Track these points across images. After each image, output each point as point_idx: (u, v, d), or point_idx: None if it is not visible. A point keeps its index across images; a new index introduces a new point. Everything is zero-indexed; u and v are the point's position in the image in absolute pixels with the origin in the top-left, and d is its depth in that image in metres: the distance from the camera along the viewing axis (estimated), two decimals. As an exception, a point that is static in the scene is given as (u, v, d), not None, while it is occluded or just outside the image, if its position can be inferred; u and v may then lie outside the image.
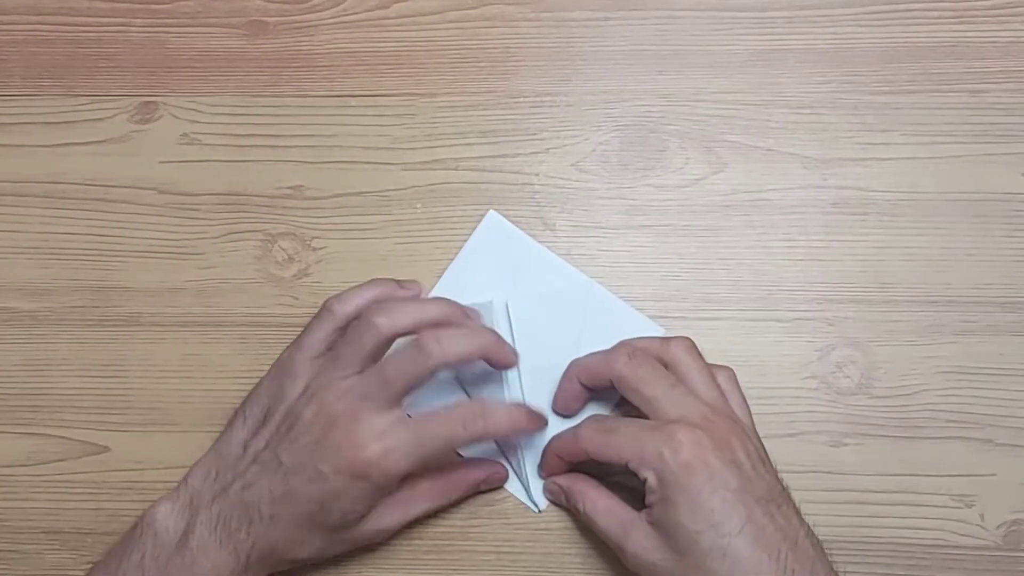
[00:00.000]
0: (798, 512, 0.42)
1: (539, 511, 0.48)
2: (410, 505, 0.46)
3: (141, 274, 0.51)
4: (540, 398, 0.48)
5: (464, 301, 0.49)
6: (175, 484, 0.45)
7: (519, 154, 0.52)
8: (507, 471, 0.48)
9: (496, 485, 0.48)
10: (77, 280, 0.51)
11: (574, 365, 0.47)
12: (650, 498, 0.41)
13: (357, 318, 0.45)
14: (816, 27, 0.53)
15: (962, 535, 0.47)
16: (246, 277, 0.51)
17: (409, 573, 0.48)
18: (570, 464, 0.46)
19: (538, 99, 0.53)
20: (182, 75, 0.54)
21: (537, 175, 0.52)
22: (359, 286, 0.47)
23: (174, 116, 0.53)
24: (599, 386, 0.46)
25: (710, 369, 0.45)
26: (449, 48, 0.53)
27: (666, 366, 0.45)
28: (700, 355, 0.45)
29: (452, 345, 0.43)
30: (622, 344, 0.46)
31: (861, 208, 0.51)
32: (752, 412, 0.46)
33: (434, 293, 0.50)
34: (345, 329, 0.45)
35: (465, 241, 0.51)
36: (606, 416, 0.46)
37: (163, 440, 0.49)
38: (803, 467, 0.48)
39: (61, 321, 0.51)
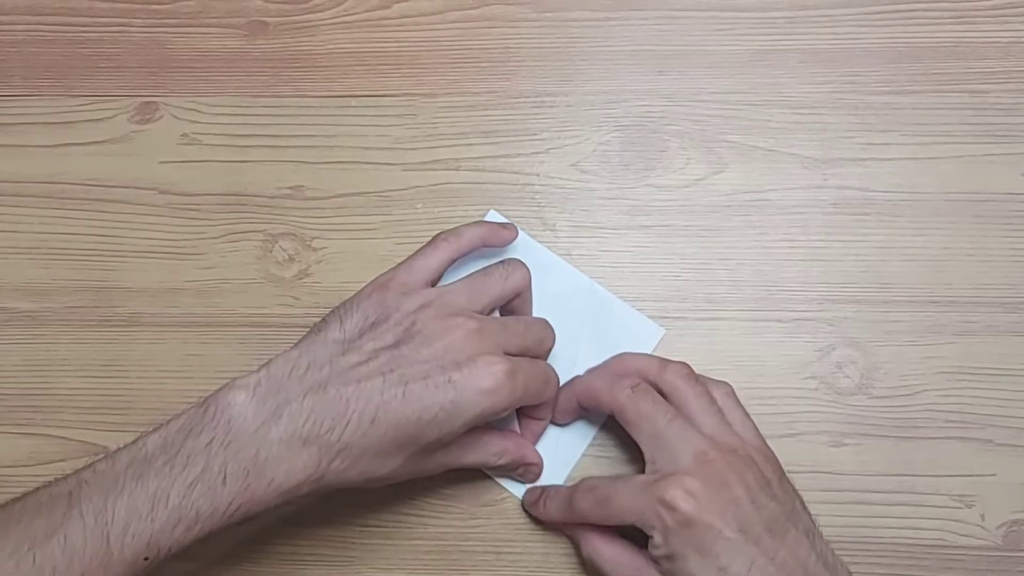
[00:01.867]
0: (809, 532, 0.42)
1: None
2: (478, 450, 0.45)
3: (141, 274, 0.51)
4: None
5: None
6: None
7: (520, 154, 0.52)
8: (541, 471, 0.48)
9: (529, 480, 0.48)
10: (77, 280, 0.51)
11: (577, 384, 0.47)
12: (656, 552, 0.41)
13: (504, 263, 0.45)
14: (817, 27, 0.53)
15: (962, 535, 0.47)
16: (246, 277, 0.51)
17: (409, 573, 0.48)
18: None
19: (539, 99, 0.53)
20: (182, 75, 0.54)
21: (538, 175, 0.52)
22: (468, 225, 0.47)
23: (174, 116, 0.53)
24: (597, 411, 0.47)
25: (708, 393, 0.45)
26: (450, 48, 0.53)
27: (662, 393, 0.45)
28: (696, 381, 0.45)
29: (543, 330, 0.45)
30: (625, 375, 0.45)
31: (861, 208, 0.51)
32: (752, 413, 0.46)
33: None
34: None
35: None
36: (594, 483, 0.45)
37: (163, 440, 0.49)
38: (803, 467, 0.48)
39: (61, 321, 0.51)
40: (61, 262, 0.52)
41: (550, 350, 0.46)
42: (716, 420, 0.44)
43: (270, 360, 0.41)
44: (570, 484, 0.48)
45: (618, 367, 0.47)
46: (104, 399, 0.50)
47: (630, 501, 0.42)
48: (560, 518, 0.46)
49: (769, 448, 0.45)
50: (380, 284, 0.44)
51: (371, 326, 0.42)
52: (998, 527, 0.47)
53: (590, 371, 0.48)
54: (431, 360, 0.41)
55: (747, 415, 0.45)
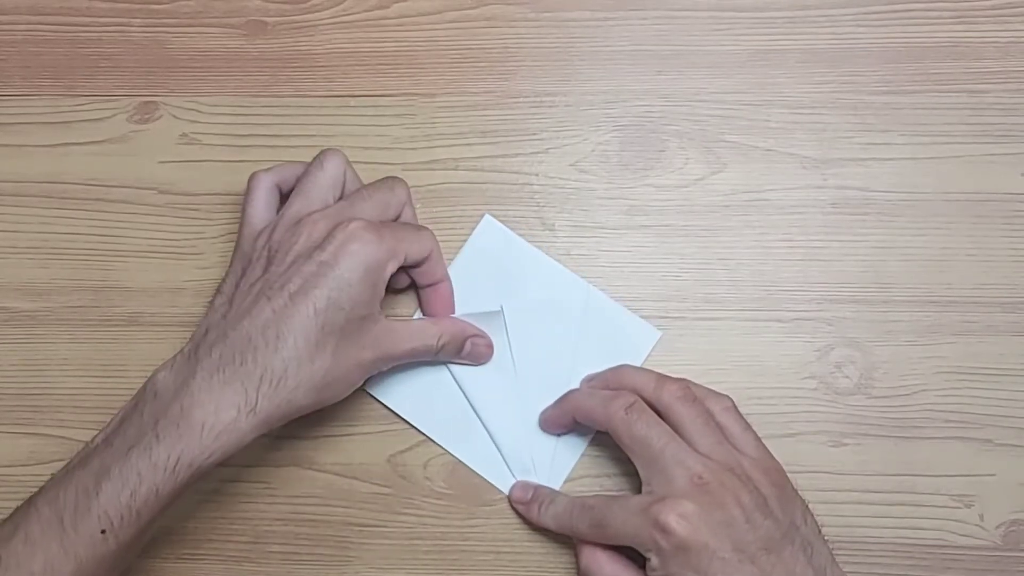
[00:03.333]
0: (807, 547, 0.42)
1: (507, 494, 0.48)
2: (407, 335, 0.45)
3: (141, 274, 0.51)
4: (536, 401, 0.49)
5: (461, 306, 0.49)
6: None
7: (518, 154, 0.52)
8: (493, 347, 0.49)
9: (480, 355, 0.49)
10: (77, 280, 0.52)
11: (572, 400, 0.47)
12: (653, 574, 0.42)
13: (311, 162, 0.46)
14: (816, 27, 0.53)
15: (962, 535, 0.47)
16: (246, 277, 0.51)
17: (408, 573, 0.48)
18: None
19: (538, 99, 0.53)
20: (182, 75, 0.54)
21: (536, 175, 0.52)
22: (282, 163, 0.48)
23: (174, 116, 0.53)
24: (592, 427, 0.47)
25: (705, 412, 0.45)
26: (449, 48, 0.53)
27: (659, 412, 0.45)
28: (692, 401, 0.45)
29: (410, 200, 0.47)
30: (620, 394, 0.45)
31: (861, 208, 0.51)
32: (752, 413, 0.46)
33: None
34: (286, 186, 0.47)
35: (463, 242, 0.51)
36: (591, 502, 0.45)
37: (163, 440, 0.49)
38: (803, 467, 0.48)
39: (61, 321, 0.51)
40: (61, 262, 0.52)
41: (405, 198, 0.47)
42: (712, 440, 0.44)
43: (186, 343, 0.44)
44: (566, 487, 0.48)
45: (615, 382, 0.47)
46: (104, 399, 0.50)
47: (626, 523, 0.42)
48: (556, 529, 0.46)
49: (771, 459, 0.44)
50: (237, 247, 0.46)
51: (243, 274, 0.44)
52: (997, 527, 0.47)
53: (587, 379, 0.49)
54: (297, 259, 0.43)
55: (748, 428, 0.45)
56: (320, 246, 0.42)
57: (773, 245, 0.50)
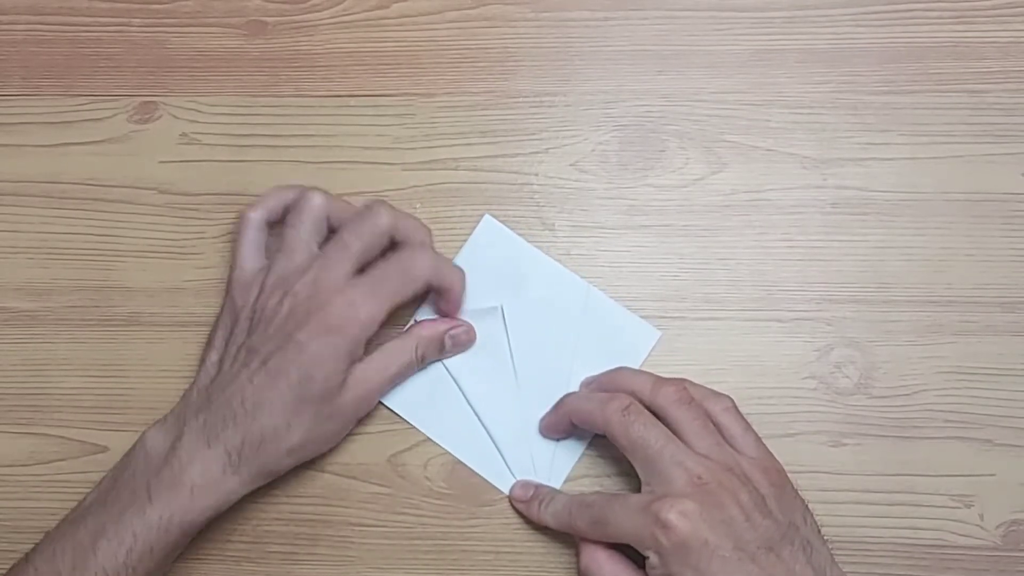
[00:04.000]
0: (806, 547, 0.42)
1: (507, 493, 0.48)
2: (384, 365, 0.47)
3: (140, 274, 0.51)
4: (535, 402, 0.49)
5: (463, 306, 0.49)
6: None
7: (518, 154, 0.52)
8: (472, 328, 0.49)
9: (463, 343, 0.49)
10: (76, 280, 0.52)
11: (569, 403, 0.47)
12: (653, 573, 0.42)
13: (293, 207, 0.47)
14: (816, 27, 0.53)
15: (961, 535, 0.47)
16: (246, 277, 0.51)
17: (409, 573, 0.48)
18: None
19: (537, 99, 0.53)
20: (182, 75, 0.54)
21: (536, 175, 0.52)
22: (268, 192, 0.49)
23: (174, 116, 0.53)
24: (589, 430, 0.47)
25: (703, 414, 0.44)
26: (449, 48, 0.53)
27: (657, 414, 0.45)
28: (690, 403, 0.45)
29: (401, 218, 0.47)
30: (616, 396, 0.45)
31: (861, 208, 0.51)
32: (751, 413, 0.46)
33: (432, 297, 0.50)
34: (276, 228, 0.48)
35: (463, 242, 0.51)
36: (591, 499, 0.45)
37: (163, 440, 0.49)
38: (802, 467, 0.48)
39: (61, 321, 0.51)
40: (61, 262, 0.52)
41: (390, 222, 0.46)
42: (710, 442, 0.44)
43: (177, 402, 0.46)
44: (566, 486, 0.48)
45: (612, 384, 0.47)
46: (104, 399, 0.50)
47: (626, 521, 0.42)
48: (555, 527, 0.46)
49: (771, 459, 0.44)
50: (227, 291, 0.48)
51: (231, 333, 0.46)
52: (997, 527, 0.47)
53: (585, 382, 0.49)
54: (277, 332, 0.44)
55: (748, 428, 0.45)
56: (299, 322, 0.44)
57: (773, 245, 0.50)
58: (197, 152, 0.53)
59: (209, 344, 0.47)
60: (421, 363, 0.48)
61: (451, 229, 0.51)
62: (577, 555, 0.45)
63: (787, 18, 0.53)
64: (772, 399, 0.49)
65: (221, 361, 0.46)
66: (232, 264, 0.48)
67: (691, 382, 0.46)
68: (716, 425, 0.45)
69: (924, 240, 0.50)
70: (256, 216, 0.48)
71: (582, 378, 0.49)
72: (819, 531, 0.43)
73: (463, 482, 0.49)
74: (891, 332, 0.49)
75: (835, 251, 0.50)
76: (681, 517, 0.41)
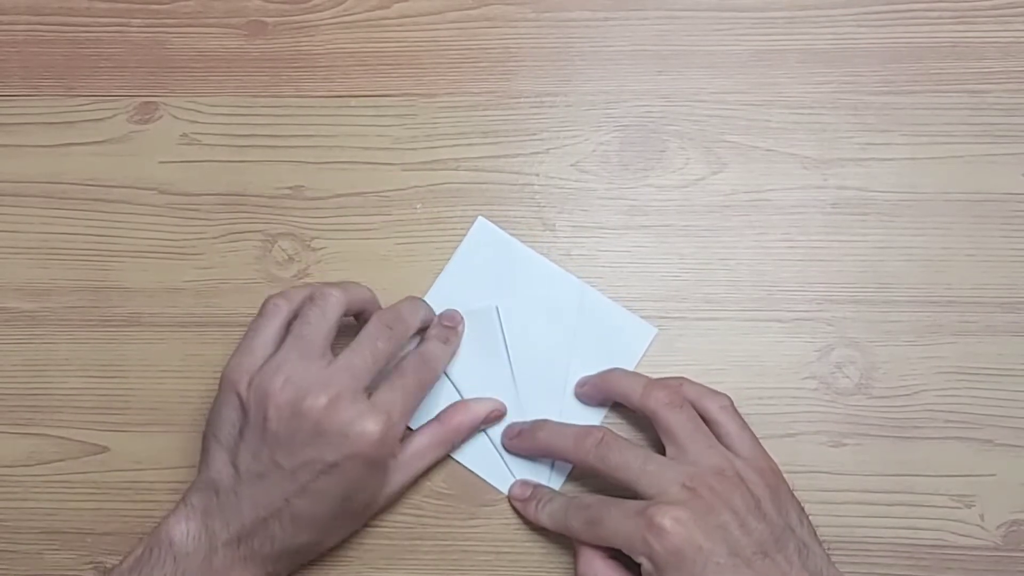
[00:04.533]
0: (801, 549, 0.42)
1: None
2: (417, 461, 0.47)
3: (140, 274, 0.51)
4: (533, 402, 0.49)
5: (458, 308, 0.49)
6: (175, 500, 0.44)
7: (519, 154, 0.52)
8: (503, 407, 0.49)
9: (497, 420, 0.49)
10: (76, 280, 0.51)
11: (541, 438, 0.47)
12: None
13: (308, 301, 0.45)
14: (816, 27, 0.53)
15: (962, 535, 0.47)
16: (246, 277, 0.51)
17: (409, 573, 0.48)
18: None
19: (538, 99, 0.53)
20: (182, 75, 0.54)
21: (537, 175, 0.52)
22: (298, 285, 0.48)
23: (174, 116, 0.53)
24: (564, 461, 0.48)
25: (694, 417, 0.44)
26: (449, 48, 0.53)
27: (648, 418, 0.45)
28: (681, 405, 0.45)
29: (412, 317, 0.46)
30: (589, 432, 0.45)
31: (861, 208, 0.51)
32: (752, 413, 0.46)
33: (428, 299, 0.50)
34: (292, 320, 0.45)
35: (458, 245, 0.51)
36: (588, 501, 0.45)
37: (163, 440, 0.49)
38: (802, 467, 0.48)
39: (61, 321, 0.51)
40: (61, 262, 0.52)
41: (416, 322, 0.47)
42: (702, 445, 0.44)
43: (187, 491, 0.44)
44: (566, 488, 0.48)
45: (604, 386, 0.47)
46: (104, 399, 0.50)
47: (621, 524, 0.42)
48: (552, 528, 0.46)
49: (767, 459, 0.44)
50: (231, 381, 0.44)
51: (241, 433, 0.43)
52: (997, 527, 0.47)
53: (580, 382, 0.49)
54: (306, 442, 0.42)
55: (744, 428, 0.45)
56: (331, 444, 0.42)
57: (773, 245, 0.50)
58: (197, 152, 0.53)
59: (213, 434, 0.44)
60: (452, 449, 0.48)
61: (451, 230, 0.51)
62: (575, 560, 0.45)
63: (788, 18, 0.53)
64: (772, 399, 0.49)
65: (235, 464, 0.43)
66: (241, 344, 0.45)
67: (689, 380, 0.46)
68: (711, 424, 0.45)
69: (924, 240, 0.50)
70: (285, 306, 0.45)
71: (579, 377, 0.49)
72: (815, 532, 0.43)
73: (463, 482, 0.49)
74: (891, 332, 0.49)
75: (835, 251, 0.50)
76: (675, 523, 0.41)
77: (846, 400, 0.49)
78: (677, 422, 0.44)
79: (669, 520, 0.41)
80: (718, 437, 0.44)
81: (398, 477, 0.46)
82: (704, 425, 0.45)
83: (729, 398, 0.46)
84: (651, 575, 0.41)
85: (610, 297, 0.50)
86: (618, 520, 0.42)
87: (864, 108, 0.52)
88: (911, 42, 0.52)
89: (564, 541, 0.47)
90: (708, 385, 0.47)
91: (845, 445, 0.48)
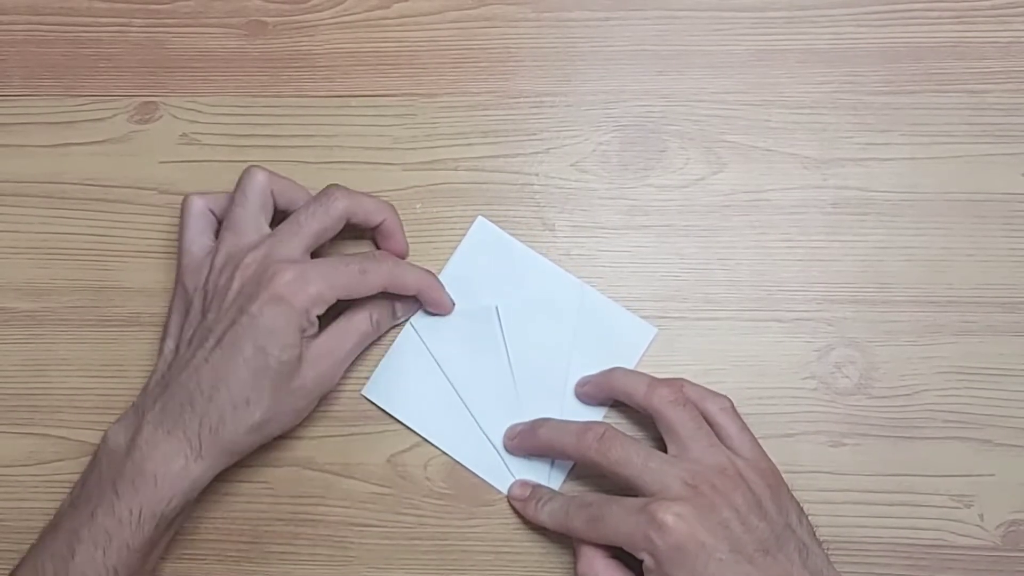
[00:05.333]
0: (801, 549, 0.42)
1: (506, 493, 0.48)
2: (341, 337, 0.46)
3: (141, 274, 0.51)
4: (533, 400, 0.49)
5: (458, 308, 0.50)
6: None
7: (519, 154, 0.52)
8: (426, 277, 0.48)
9: (412, 307, 0.49)
10: (77, 280, 0.52)
11: (542, 434, 0.47)
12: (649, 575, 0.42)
13: (234, 190, 0.47)
14: (816, 27, 0.53)
15: (961, 535, 0.47)
16: (246, 277, 0.51)
17: (408, 573, 0.48)
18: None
19: (538, 99, 0.53)
20: (182, 75, 0.54)
21: (537, 175, 0.52)
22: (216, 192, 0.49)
23: (174, 116, 0.53)
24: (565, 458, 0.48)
25: (697, 416, 0.44)
26: (449, 48, 0.53)
27: (651, 416, 0.45)
28: (684, 403, 0.45)
29: (358, 201, 0.46)
30: (590, 427, 0.45)
31: (861, 208, 0.51)
32: (752, 413, 0.46)
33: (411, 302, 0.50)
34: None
35: (458, 245, 0.51)
36: (589, 499, 0.45)
37: (163, 440, 0.49)
38: (802, 467, 0.48)
39: (61, 321, 0.51)
40: (61, 262, 0.52)
41: (346, 205, 0.46)
42: (704, 444, 0.44)
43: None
44: (565, 487, 0.48)
45: (606, 385, 0.47)
46: (104, 399, 0.50)
47: (621, 522, 0.42)
48: (552, 527, 0.46)
49: (767, 460, 0.44)
50: (176, 279, 0.47)
51: (185, 318, 0.46)
52: (997, 527, 0.47)
53: (581, 382, 0.49)
54: (229, 308, 0.44)
55: (744, 429, 0.45)
56: (250, 295, 0.43)
57: (773, 245, 0.50)
58: (197, 152, 0.53)
59: (165, 333, 0.46)
60: (377, 330, 0.48)
61: (451, 229, 0.51)
62: (575, 560, 0.45)
63: (787, 18, 0.53)
64: (772, 399, 0.49)
65: (177, 348, 0.45)
66: (179, 250, 0.47)
67: (689, 382, 0.46)
68: (712, 425, 0.45)
69: (924, 240, 0.50)
70: (201, 201, 0.47)
71: (579, 376, 0.49)
72: (814, 533, 0.43)
73: (463, 482, 0.49)
74: (891, 332, 0.49)
75: (835, 251, 0.50)
76: (677, 519, 0.41)
77: (846, 400, 0.49)
78: (680, 420, 0.44)
79: (671, 516, 0.41)
80: (719, 438, 0.45)
81: (321, 359, 0.45)
82: (706, 424, 0.45)
83: (729, 400, 0.46)
84: (653, 571, 0.41)
85: (610, 297, 0.50)
86: (620, 517, 0.42)
87: (864, 108, 0.52)
88: (911, 42, 0.52)
89: (564, 541, 0.47)
90: (709, 386, 0.46)
91: (845, 445, 0.48)
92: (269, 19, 0.54)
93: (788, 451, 0.48)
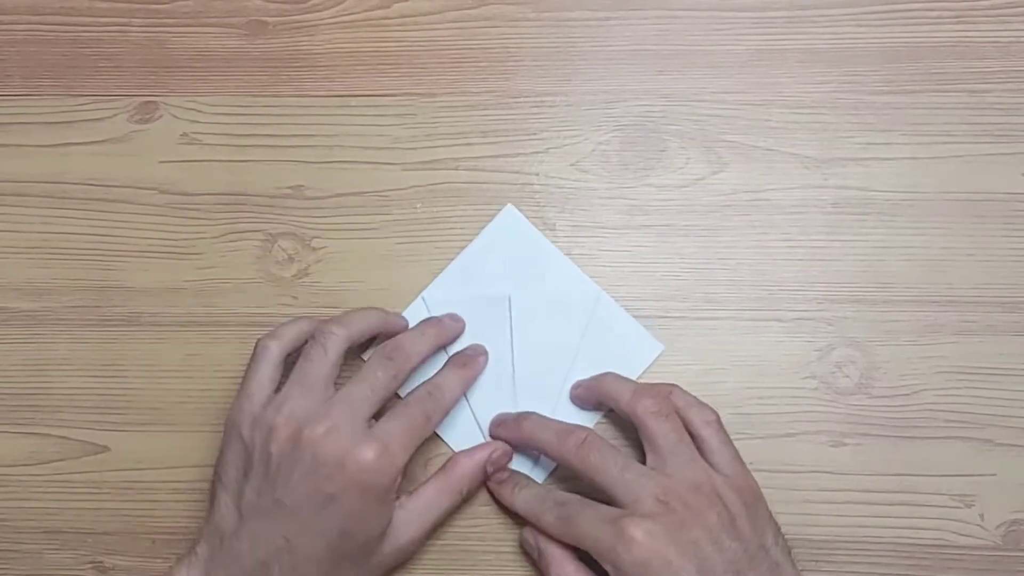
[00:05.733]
0: (774, 570, 0.41)
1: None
2: (426, 512, 0.45)
3: (141, 274, 0.51)
4: (528, 399, 0.49)
5: (472, 291, 0.49)
6: (175, 500, 0.44)
7: (519, 154, 0.52)
8: (509, 447, 0.48)
9: (504, 462, 0.47)
10: (77, 280, 0.51)
11: (526, 428, 0.47)
12: None
13: (311, 338, 0.45)
14: (816, 27, 0.53)
15: (962, 535, 0.47)
16: (246, 277, 0.51)
17: (409, 573, 0.48)
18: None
19: (538, 99, 0.53)
20: (182, 75, 0.54)
21: (537, 175, 0.52)
22: (288, 321, 0.47)
23: (174, 116, 0.53)
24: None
25: (678, 428, 0.44)
26: (449, 48, 0.53)
27: (633, 424, 0.45)
28: (667, 415, 0.44)
29: (414, 346, 0.46)
30: (573, 431, 0.45)
31: (861, 208, 0.51)
32: (752, 413, 0.46)
33: (442, 279, 0.50)
34: (287, 361, 0.45)
35: (463, 245, 0.51)
36: (565, 498, 0.45)
37: (163, 440, 0.49)
38: (803, 467, 0.48)
39: (61, 321, 0.51)
40: (61, 262, 0.52)
41: (418, 350, 0.46)
42: (684, 458, 0.43)
43: (195, 541, 0.43)
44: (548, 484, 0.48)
45: (596, 388, 0.47)
46: (104, 399, 0.50)
47: (592, 528, 0.42)
48: (523, 514, 0.46)
49: (747, 477, 0.44)
50: (235, 424, 0.44)
51: (244, 475, 0.43)
52: (998, 527, 0.47)
53: (575, 385, 0.49)
54: (303, 484, 0.41)
55: (726, 443, 0.45)
56: (328, 475, 0.41)
57: (773, 245, 0.50)
58: (197, 152, 0.53)
59: (219, 479, 0.44)
60: (465, 500, 0.47)
61: (451, 229, 0.51)
62: (542, 562, 0.45)
63: (787, 18, 0.53)
64: (772, 399, 0.49)
65: (239, 506, 0.42)
66: (240, 390, 0.45)
67: (680, 389, 0.46)
68: (695, 437, 0.44)
69: (925, 240, 0.50)
70: (276, 347, 0.45)
71: (571, 384, 0.49)
72: (790, 552, 0.43)
73: (463, 482, 0.49)
74: (891, 332, 0.49)
75: (836, 251, 0.50)
76: (647, 536, 0.40)
77: (846, 400, 0.49)
78: (661, 432, 0.44)
79: (641, 532, 0.40)
80: (700, 451, 0.44)
81: (407, 530, 0.44)
82: (688, 438, 0.44)
83: (716, 413, 0.45)
84: None
85: (610, 297, 0.50)
86: (591, 523, 0.42)
87: (864, 108, 0.52)
88: (911, 42, 0.52)
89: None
90: (709, 387, 0.46)
91: (845, 445, 0.48)
92: (269, 19, 0.54)
93: (789, 451, 0.48)
